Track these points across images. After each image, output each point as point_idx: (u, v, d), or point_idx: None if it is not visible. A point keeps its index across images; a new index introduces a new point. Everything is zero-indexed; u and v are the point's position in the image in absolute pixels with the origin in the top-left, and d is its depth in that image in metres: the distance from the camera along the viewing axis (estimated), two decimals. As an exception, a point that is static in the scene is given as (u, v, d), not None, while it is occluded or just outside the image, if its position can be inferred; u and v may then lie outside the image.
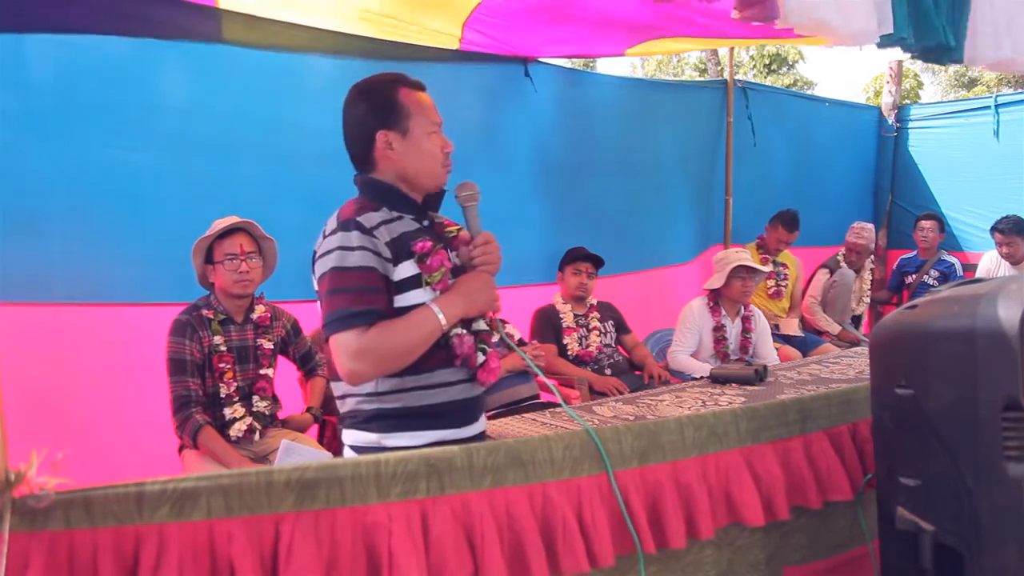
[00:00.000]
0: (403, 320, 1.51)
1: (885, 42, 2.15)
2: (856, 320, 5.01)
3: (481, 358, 1.64)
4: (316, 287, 1.57)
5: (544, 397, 3.17)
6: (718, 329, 3.55)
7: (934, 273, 5.03)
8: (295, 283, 2.48)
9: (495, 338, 1.72)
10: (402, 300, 1.54)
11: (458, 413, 1.62)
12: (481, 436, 1.70)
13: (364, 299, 1.49)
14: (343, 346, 1.47)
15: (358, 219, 1.54)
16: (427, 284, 1.55)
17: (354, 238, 1.51)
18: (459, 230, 1.73)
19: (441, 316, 1.52)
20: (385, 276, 1.53)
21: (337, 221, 1.55)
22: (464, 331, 1.60)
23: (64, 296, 2.78)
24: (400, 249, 1.55)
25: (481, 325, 1.66)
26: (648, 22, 3.25)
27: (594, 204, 4.37)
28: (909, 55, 2.40)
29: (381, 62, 3.36)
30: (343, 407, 1.65)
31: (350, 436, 1.63)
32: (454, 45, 3.55)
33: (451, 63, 3.66)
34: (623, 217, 4.52)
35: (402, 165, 1.61)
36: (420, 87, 1.67)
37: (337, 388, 1.64)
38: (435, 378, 1.58)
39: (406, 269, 1.55)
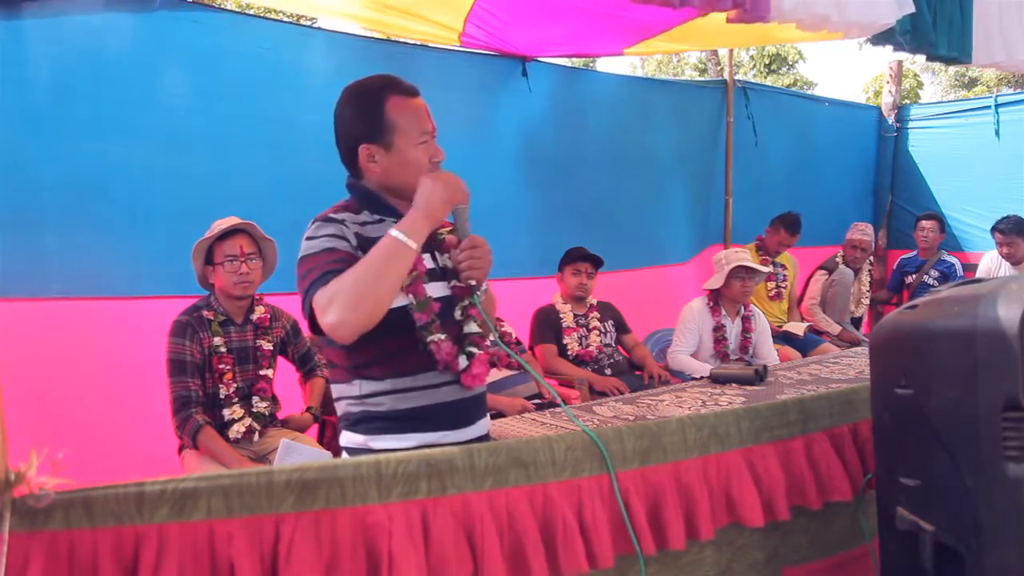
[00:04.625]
0: (364, 257, 1.44)
1: (880, 40, 2.16)
2: (856, 321, 5.02)
3: (464, 362, 1.56)
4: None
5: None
6: (718, 329, 3.55)
7: (934, 273, 5.03)
8: (293, 277, 2.48)
9: (489, 340, 1.65)
10: None
11: (447, 416, 1.56)
12: (482, 440, 1.65)
13: (329, 267, 1.45)
14: (317, 306, 1.41)
15: (328, 214, 1.55)
16: (400, 289, 1.49)
17: (322, 228, 1.52)
18: (450, 232, 1.66)
19: (400, 235, 1.42)
20: (355, 256, 1.48)
21: (312, 219, 1.56)
22: (443, 337, 1.53)
23: (60, 291, 2.78)
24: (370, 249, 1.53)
25: (473, 328, 1.60)
26: (638, 16, 3.24)
27: (591, 201, 4.37)
28: (909, 55, 2.43)
29: (379, 43, 3.37)
30: (338, 410, 1.63)
31: (343, 438, 1.62)
32: (454, 43, 3.55)
33: (449, 52, 3.67)
34: (620, 215, 4.52)
35: (385, 177, 1.58)
36: (412, 92, 1.60)
37: (334, 391, 1.63)
38: (418, 381, 1.54)
39: None
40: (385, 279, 1.40)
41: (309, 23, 3.18)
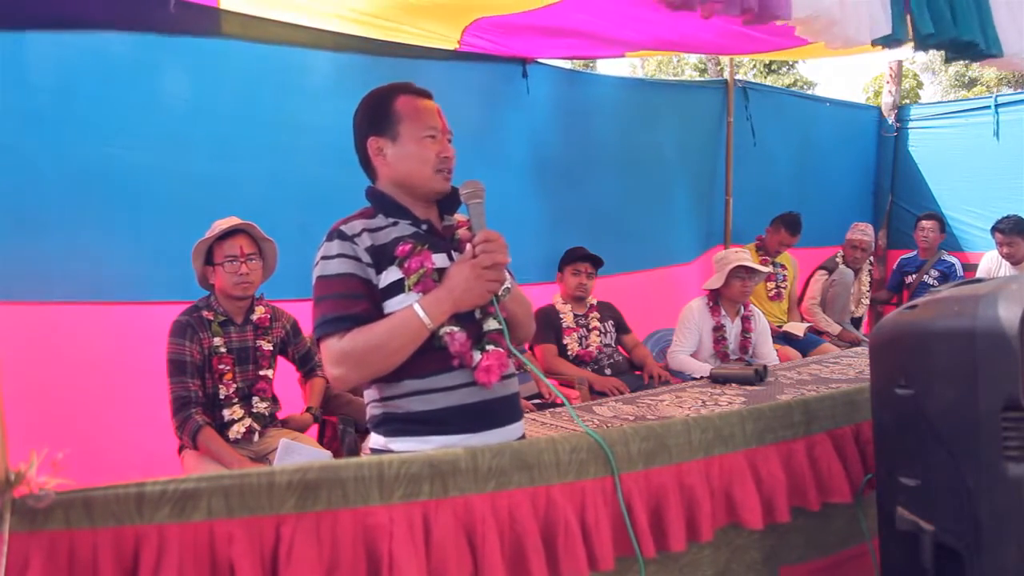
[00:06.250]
0: (383, 322, 1.49)
1: (891, 40, 2.14)
2: (856, 321, 5.02)
3: (478, 356, 1.55)
4: None
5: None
6: (718, 329, 3.55)
7: (934, 273, 5.03)
8: (295, 282, 2.49)
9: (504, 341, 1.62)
10: (389, 306, 1.53)
11: (467, 418, 1.55)
12: None
13: (342, 305, 1.50)
14: (324, 352, 1.50)
15: (341, 228, 1.56)
16: (408, 287, 1.52)
17: (334, 247, 1.54)
18: (468, 229, 1.66)
19: (423, 314, 1.48)
20: (367, 281, 1.53)
21: (328, 231, 1.58)
22: (456, 328, 1.54)
23: (62, 295, 2.78)
24: (383, 255, 1.55)
25: (492, 325, 1.59)
26: (643, 40, 3.27)
27: (594, 204, 4.36)
28: (925, 52, 2.41)
29: (380, 58, 3.38)
30: (366, 412, 1.65)
31: (370, 439, 1.64)
32: (452, 46, 3.56)
33: (449, 61, 3.67)
34: (623, 217, 4.51)
35: (394, 171, 1.61)
36: (424, 94, 1.65)
37: (365, 395, 1.65)
38: (435, 382, 1.53)
39: (392, 274, 1.54)
40: (399, 352, 1.49)
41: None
